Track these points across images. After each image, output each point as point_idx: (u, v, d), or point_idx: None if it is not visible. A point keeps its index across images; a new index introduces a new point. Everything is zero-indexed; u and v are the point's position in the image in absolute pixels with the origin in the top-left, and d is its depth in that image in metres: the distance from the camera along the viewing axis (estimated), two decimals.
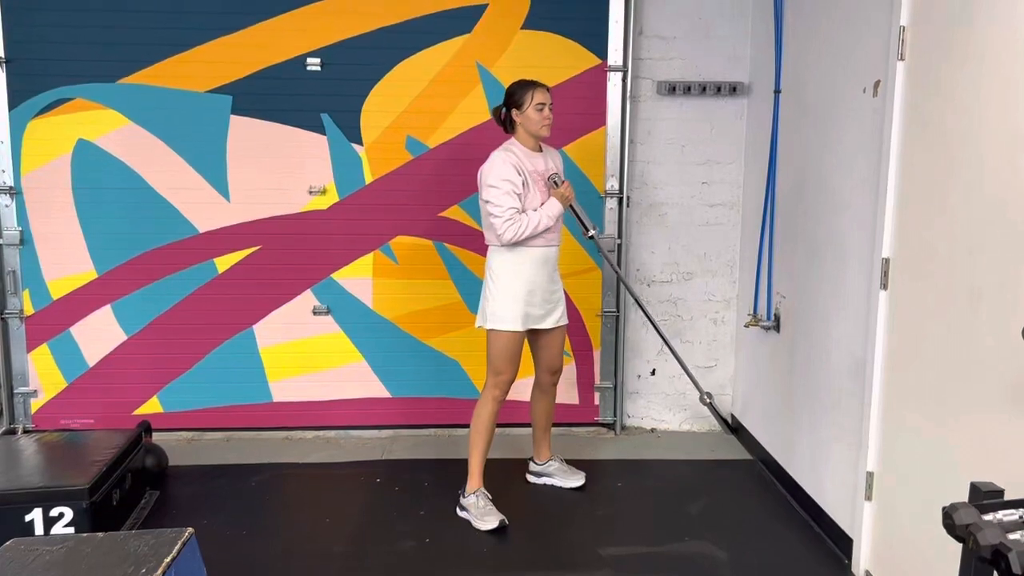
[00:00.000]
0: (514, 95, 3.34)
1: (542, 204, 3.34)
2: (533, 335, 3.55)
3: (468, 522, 3.36)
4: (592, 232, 3.49)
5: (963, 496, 1.46)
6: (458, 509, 3.45)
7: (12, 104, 4.06)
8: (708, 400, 3.79)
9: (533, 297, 3.38)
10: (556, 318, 3.50)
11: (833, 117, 3.23)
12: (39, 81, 4.05)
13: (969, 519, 1.33)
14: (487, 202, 3.29)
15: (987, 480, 1.49)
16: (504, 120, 3.42)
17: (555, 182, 3.37)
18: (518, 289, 3.35)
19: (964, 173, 2.36)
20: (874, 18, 2.88)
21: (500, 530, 3.30)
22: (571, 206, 3.43)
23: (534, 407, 3.74)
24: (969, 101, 2.34)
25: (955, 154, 2.40)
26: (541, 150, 3.43)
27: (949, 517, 1.35)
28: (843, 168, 3.15)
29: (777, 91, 3.78)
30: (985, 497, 1.42)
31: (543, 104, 3.31)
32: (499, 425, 3.53)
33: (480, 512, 3.36)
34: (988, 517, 1.36)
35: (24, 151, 4.10)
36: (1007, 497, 1.43)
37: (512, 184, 3.25)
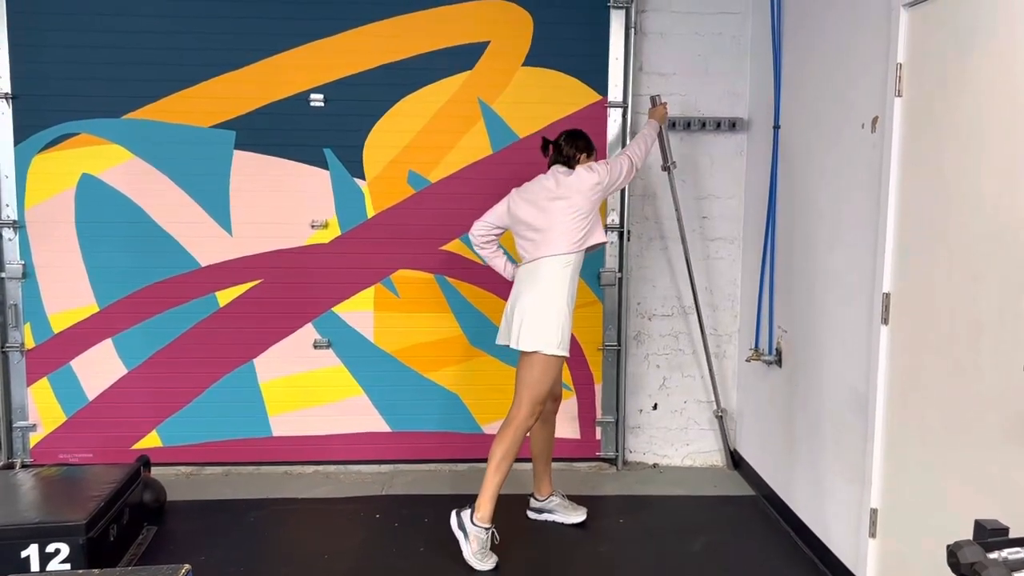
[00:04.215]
0: (591, 145, 3.53)
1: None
2: None
3: (467, 560, 3.29)
4: (669, 164, 4.02)
5: (968, 533, 1.44)
6: (455, 524, 3.33)
7: (18, 139, 4.10)
8: (720, 414, 3.78)
9: None
10: None
11: (832, 153, 3.26)
12: (45, 116, 4.10)
13: (974, 557, 1.32)
14: (619, 174, 3.43)
15: (992, 517, 1.47)
16: (565, 155, 3.47)
17: (654, 101, 3.84)
18: (570, 308, 3.36)
19: (963, 207, 2.37)
20: (872, 55, 2.92)
21: (494, 569, 3.25)
22: (661, 129, 3.80)
23: (534, 438, 3.68)
24: (966, 136, 2.36)
25: (953, 188, 2.42)
26: None
27: (954, 555, 1.34)
28: (843, 203, 3.16)
29: (776, 127, 3.82)
30: (990, 535, 1.41)
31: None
32: None
33: (483, 549, 3.30)
34: (993, 555, 1.34)
35: (28, 185, 4.13)
36: (1012, 535, 1.42)
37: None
